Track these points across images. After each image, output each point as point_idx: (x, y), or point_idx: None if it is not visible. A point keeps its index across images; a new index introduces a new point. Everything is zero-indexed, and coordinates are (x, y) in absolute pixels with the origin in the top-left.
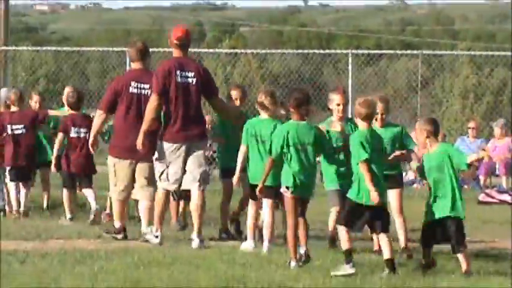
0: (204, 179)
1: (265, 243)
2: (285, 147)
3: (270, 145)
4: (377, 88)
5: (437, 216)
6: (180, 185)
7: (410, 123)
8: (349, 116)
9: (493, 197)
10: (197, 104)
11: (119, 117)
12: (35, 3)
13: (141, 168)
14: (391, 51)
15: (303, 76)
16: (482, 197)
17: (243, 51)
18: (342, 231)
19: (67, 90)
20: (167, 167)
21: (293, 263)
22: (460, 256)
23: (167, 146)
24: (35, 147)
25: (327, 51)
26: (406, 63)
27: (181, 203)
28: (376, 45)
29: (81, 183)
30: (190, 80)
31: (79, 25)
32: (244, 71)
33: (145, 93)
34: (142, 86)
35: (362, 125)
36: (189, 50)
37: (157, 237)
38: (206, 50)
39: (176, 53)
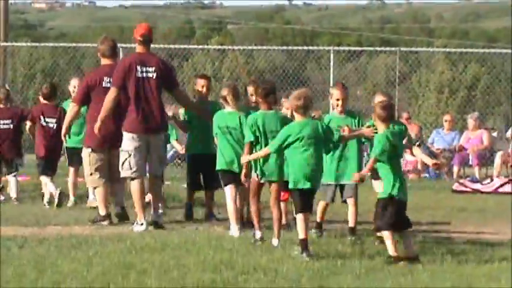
0: (161, 165)
1: (233, 227)
2: (256, 133)
3: (244, 133)
4: (357, 83)
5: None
6: (143, 172)
7: None
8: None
9: (466, 186)
10: (157, 97)
11: (92, 110)
12: (33, 1)
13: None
14: (371, 48)
15: (287, 71)
16: (456, 186)
17: (230, 47)
18: (389, 237)
19: (73, 82)
20: (129, 155)
21: (258, 233)
22: None
23: (129, 136)
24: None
25: (310, 47)
26: (385, 59)
27: None
28: (356, 42)
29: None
30: (150, 74)
31: (75, 22)
32: (232, 66)
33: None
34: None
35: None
36: (177, 46)
37: (142, 224)
38: (196, 46)
39: (139, 48)
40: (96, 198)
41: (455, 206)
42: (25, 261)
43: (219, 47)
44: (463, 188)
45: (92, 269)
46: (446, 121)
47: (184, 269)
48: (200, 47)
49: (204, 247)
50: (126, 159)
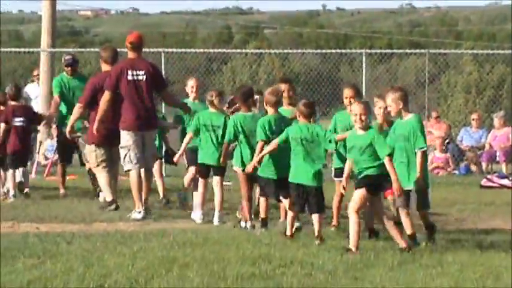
0: (153, 159)
1: (198, 213)
2: (237, 134)
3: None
4: (388, 84)
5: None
6: (143, 165)
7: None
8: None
9: (494, 182)
10: (148, 97)
11: (95, 111)
12: (79, 8)
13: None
14: (401, 51)
15: (322, 74)
16: (484, 181)
17: (267, 51)
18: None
19: (190, 83)
20: (128, 150)
21: (243, 223)
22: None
23: (126, 134)
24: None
25: (343, 50)
26: (415, 61)
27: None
28: (387, 45)
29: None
30: (140, 77)
31: (119, 28)
32: (268, 69)
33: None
34: None
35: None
36: (217, 50)
37: (140, 212)
38: (234, 50)
39: (130, 54)
40: (101, 186)
41: (483, 201)
42: (73, 256)
43: (256, 50)
44: (491, 184)
45: (137, 263)
46: (473, 120)
47: (225, 263)
48: (238, 51)
49: (243, 242)
50: (126, 154)
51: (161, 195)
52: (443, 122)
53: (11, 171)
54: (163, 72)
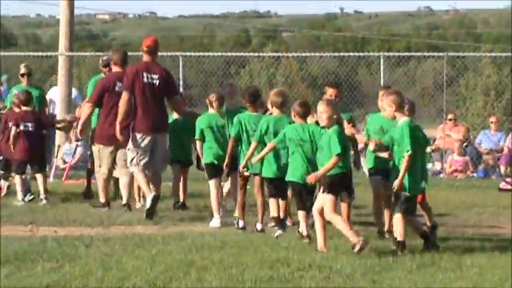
0: (164, 164)
1: (216, 217)
2: (241, 133)
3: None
4: (406, 87)
5: None
6: (149, 168)
7: (436, 119)
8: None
9: None
10: (161, 101)
11: (103, 111)
12: (97, 12)
13: (121, 153)
14: (419, 53)
15: (340, 76)
16: (502, 185)
17: (284, 54)
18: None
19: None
20: (137, 153)
21: (241, 222)
22: None
23: (137, 136)
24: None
25: (361, 53)
26: (433, 64)
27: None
28: (405, 48)
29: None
30: (155, 81)
31: (137, 32)
32: (286, 72)
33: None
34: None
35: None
36: (234, 53)
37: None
38: (252, 54)
39: (145, 58)
40: (98, 186)
41: (502, 204)
42: (91, 260)
43: (274, 54)
44: (510, 187)
45: (155, 267)
46: (492, 122)
47: (243, 266)
48: (256, 54)
49: (262, 245)
50: (134, 157)
51: (181, 199)
52: (462, 125)
53: (17, 176)
54: (181, 75)
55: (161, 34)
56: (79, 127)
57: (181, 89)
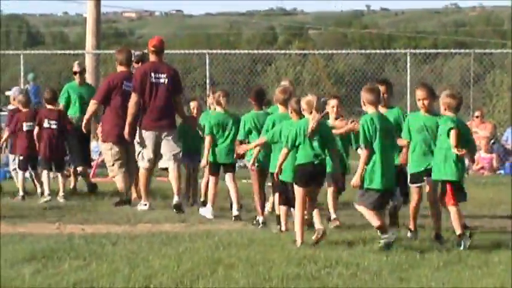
0: (177, 158)
1: (209, 208)
2: (249, 132)
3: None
4: (433, 84)
5: None
6: (153, 164)
7: (463, 115)
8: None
9: None
10: (168, 99)
11: (109, 109)
12: (123, 10)
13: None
14: (446, 50)
15: (366, 74)
16: None
17: (311, 52)
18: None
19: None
20: (143, 148)
21: (260, 218)
22: None
23: (143, 133)
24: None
25: (388, 51)
26: (460, 61)
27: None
28: (432, 45)
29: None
30: (162, 80)
31: (163, 30)
32: (313, 70)
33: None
34: (130, 84)
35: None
36: (261, 51)
37: (146, 205)
38: (278, 51)
39: (152, 57)
40: (117, 185)
41: None
42: (118, 258)
43: (301, 51)
44: None
45: (182, 264)
46: None
47: (270, 264)
48: (282, 52)
49: (288, 243)
50: (140, 152)
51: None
52: (489, 122)
53: (45, 172)
54: (207, 73)
55: (188, 32)
56: (84, 123)
57: (207, 87)
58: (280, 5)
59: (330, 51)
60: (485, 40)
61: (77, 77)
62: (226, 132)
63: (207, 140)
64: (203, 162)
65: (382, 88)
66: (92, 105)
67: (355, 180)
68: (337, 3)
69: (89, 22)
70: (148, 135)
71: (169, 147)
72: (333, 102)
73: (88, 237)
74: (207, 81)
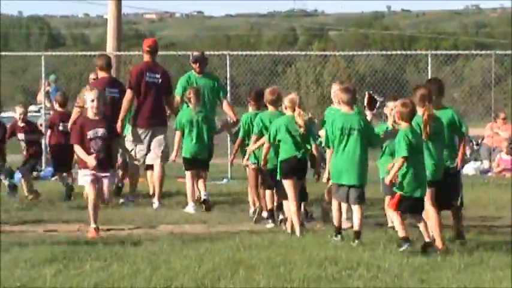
0: (165, 157)
1: (190, 204)
2: (249, 130)
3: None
4: (454, 85)
5: None
6: (144, 160)
7: (485, 117)
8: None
9: None
10: (161, 98)
11: None
12: (144, 12)
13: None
14: (467, 52)
15: (387, 75)
16: None
17: (331, 53)
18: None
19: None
20: (135, 146)
21: (251, 209)
22: None
23: (137, 131)
24: None
25: (409, 52)
26: (481, 62)
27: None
28: (453, 46)
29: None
30: (156, 80)
31: (184, 31)
32: (333, 71)
33: (115, 96)
34: (114, 90)
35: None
36: (281, 52)
37: (133, 201)
38: (299, 52)
39: (146, 57)
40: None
41: None
42: (139, 259)
43: (321, 52)
44: None
45: (203, 266)
46: None
47: (291, 265)
48: (303, 53)
49: (309, 244)
50: (132, 149)
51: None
52: (510, 124)
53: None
54: (228, 74)
55: (208, 33)
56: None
57: (228, 88)
58: (301, 6)
59: (350, 53)
60: (506, 41)
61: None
62: (195, 129)
63: (177, 135)
64: (172, 157)
65: (431, 88)
66: (74, 113)
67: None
68: (343, 3)
69: (110, 23)
70: (141, 133)
71: (158, 145)
72: (391, 104)
73: (109, 238)
74: (228, 82)
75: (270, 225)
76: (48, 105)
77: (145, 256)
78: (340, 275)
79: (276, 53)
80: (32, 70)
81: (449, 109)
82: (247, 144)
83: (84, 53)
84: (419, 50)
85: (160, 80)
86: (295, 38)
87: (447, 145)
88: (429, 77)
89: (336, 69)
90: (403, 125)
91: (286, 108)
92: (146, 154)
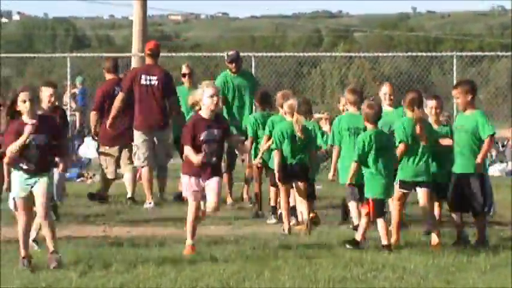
0: (166, 157)
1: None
2: (257, 130)
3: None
4: (480, 87)
5: None
6: (151, 162)
7: (510, 118)
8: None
9: None
10: (159, 100)
11: (107, 114)
12: (169, 13)
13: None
14: (493, 53)
15: (412, 76)
16: None
17: (357, 54)
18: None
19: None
20: (138, 149)
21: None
22: None
23: (137, 133)
24: None
25: (434, 53)
26: (506, 63)
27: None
28: (478, 48)
29: None
30: (153, 82)
31: (209, 33)
32: (358, 72)
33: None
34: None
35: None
36: (306, 53)
37: (151, 203)
38: (324, 54)
39: (148, 60)
40: (101, 183)
41: None
42: (164, 260)
43: (346, 54)
44: None
45: (228, 267)
46: None
47: (316, 266)
48: (328, 54)
49: (335, 246)
50: (135, 152)
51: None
52: None
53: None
54: None
55: (233, 35)
56: (92, 131)
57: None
58: (325, 7)
59: (375, 54)
60: None
61: (185, 79)
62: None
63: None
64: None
65: (464, 89)
66: (92, 116)
67: None
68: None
69: (135, 25)
70: (140, 135)
71: (160, 148)
72: (431, 103)
73: (134, 239)
74: None
75: (272, 220)
76: (74, 106)
77: (171, 257)
78: (366, 276)
79: (301, 54)
80: (58, 71)
81: (478, 111)
82: (257, 146)
83: (109, 54)
84: (444, 51)
85: (157, 82)
86: (320, 40)
87: (474, 150)
88: (454, 79)
89: (361, 71)
90: (369, 127)
91: (285, 113)
92: (150, 156)
